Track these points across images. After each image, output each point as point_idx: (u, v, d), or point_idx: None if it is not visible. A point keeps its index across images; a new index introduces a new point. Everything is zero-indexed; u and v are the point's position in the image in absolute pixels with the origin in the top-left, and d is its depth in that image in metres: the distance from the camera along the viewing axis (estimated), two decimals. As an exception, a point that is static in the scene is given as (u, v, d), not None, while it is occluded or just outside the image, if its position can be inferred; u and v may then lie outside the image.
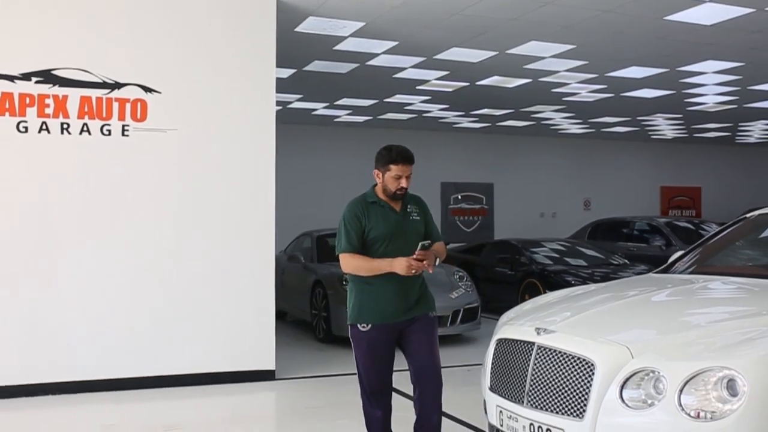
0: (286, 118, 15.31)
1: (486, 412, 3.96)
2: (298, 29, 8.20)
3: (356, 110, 14.66)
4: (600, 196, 19.97)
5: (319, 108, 14.37)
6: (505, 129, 17.54)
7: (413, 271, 3.95)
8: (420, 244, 3.97)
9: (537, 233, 16.11)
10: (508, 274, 11.19)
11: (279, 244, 11.41)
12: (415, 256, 3.93)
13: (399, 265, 3.94)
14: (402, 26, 8.17)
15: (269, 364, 6.97)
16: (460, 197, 18.84)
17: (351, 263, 4.07)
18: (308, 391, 6.66)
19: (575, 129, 17.74)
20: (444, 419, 4.27)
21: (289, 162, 16.12)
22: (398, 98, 13.11)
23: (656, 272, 5.00)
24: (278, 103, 13.45)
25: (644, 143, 20.52)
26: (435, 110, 14.58)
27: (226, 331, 6.88)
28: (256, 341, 6.96)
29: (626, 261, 11.69)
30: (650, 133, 18.54)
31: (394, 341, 4.13)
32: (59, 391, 6.30)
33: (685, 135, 18.90)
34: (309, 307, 9.60)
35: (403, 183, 4.07)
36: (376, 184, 4.18)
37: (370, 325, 4.06)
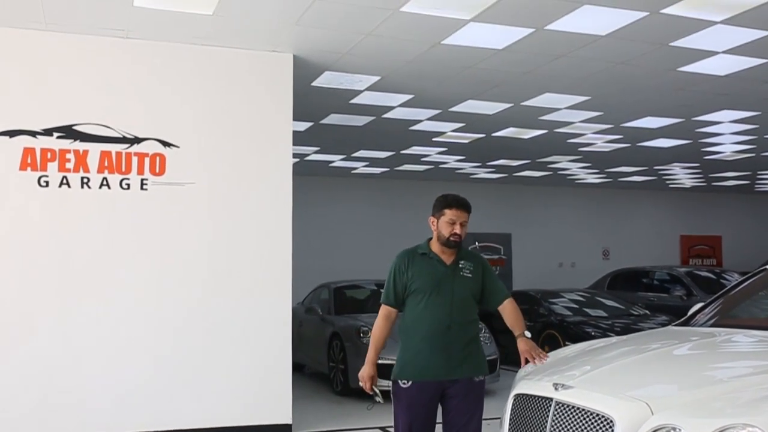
0: (303, 170, 15.44)
1: (504, 469, 3.89)
2: (314, 83, 8.32)
3: (373, 162, 14.76)
4: (619, 246, 19.84)
5: (336, 160, 14.49)
6: (522, 179, 17.56)
7: (360, 384, 4.02)
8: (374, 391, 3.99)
9: (556, 283, 15.99)
10: (527, 326, 11.06)
11: (296, 295, 11.40)
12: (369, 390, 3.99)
13: (362, 371, 4.02)
14: (417, 80, 8.27)
15: (286, 418, 6.89)
16: (478, 247, 18.79)
17: (374, 326, 4.07)
18: (325, 447, 6.58)
19: (592, 179, 17.73)
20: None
21: (307, 213, 16.20)
22: (414, 150, 13.20)
23: (676, 325, 4.94)
24: (295, 155, 13.60)
25: (662, 192, 20.44)
26: (451, 161, 14.65)
27: (243, 384, 6.83)
28: (272, 394, 6.90)
29: (647, 311, 11.55)
30: (668, 182, 18.48)
31: (436, 400, 3.97)
32: (75, 446, 6.27)
33: (704, 184, 18.82)
34: (326, 359, 9.54)
35: (457, 229, 3.98)
36: (431, 238, 4.09)
37: (410, 382, 3.94)
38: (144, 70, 6.84)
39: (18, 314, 6.33)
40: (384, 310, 4.06)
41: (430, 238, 4.10)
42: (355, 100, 9.22)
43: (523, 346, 4.03)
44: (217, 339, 6.81)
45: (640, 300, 12.86)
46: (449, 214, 3.99)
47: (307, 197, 16.41)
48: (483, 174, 16.70)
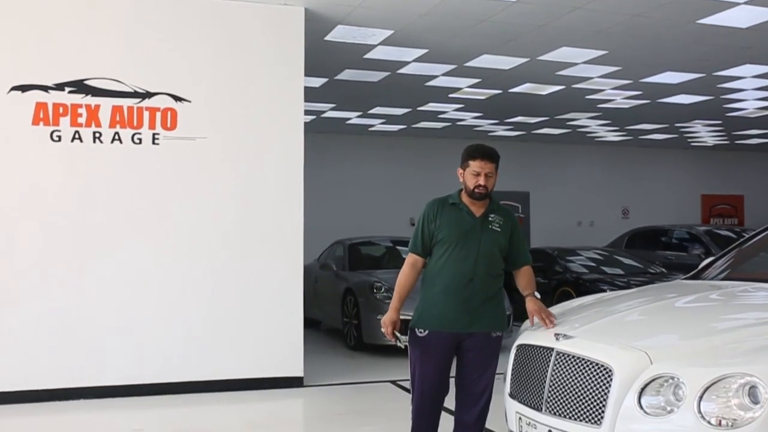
0: (320, 127, 15.41)
1: (506, 420, 3.92)
2: (327, 38, 8.25)
3: (390, 119, 14.67)
4: (639, 205, 19.67)
5: (353, 117, 14.42)
6: (540, 137, 17.40)
7: (382, 330, 3.99)
8: (398, 337, 3.98)
9: (574, 242, 15.91)
10: (542, 283, 11.05)
11: (314, 252, 11.51)
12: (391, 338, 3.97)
13: (385, 316, 3.99)
14: (431, 34, 8.17)
15: (297, 371, 6.98)
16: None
17: (400, 273, 4.03)
18: (335, 398, 6.66)
19: (612, 137, 17.52)
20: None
21: (324, 171, 16.21)
22: (431, 106, 13.09)
23: (686, 278, 4.90)
24: (312, 112, 13.57)
25: (684, 151, 20.17)
26: (469, 118, 14.52)
27: (255, 338, 6.91)
28: (284, 348, 6.98)
29: (663, 270, 11.48)
30: (690, 140, 18.22)
31: (452, 351, 3.94)
32: (92, 395, 6.39)
33: (726, 142, 18.53)
34: (341, 315, 9.61)
35: (482, 180, 3.86)
36: (462, 189, 3.99)
37: (427, 331, 3.90)
38: (155, 24, 6.81)
39: (33, 268, 6.42)
40: (411, 258, 4.01)
41: (461, 189, 4.00)
42: (369, 55, 9.13)
43: (531, 305, 3.96)
44: (230, 294, 6.87)
45: (658, 259, 12.78)
46: (473, 165, 3.89)
47: (324, 155, 16.40)
48: (501, 132, 16.55)
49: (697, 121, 15.01)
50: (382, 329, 4.00)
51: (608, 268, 11.38)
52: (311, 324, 11.06)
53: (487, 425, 3.96)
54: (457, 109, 13.42)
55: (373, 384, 7.04)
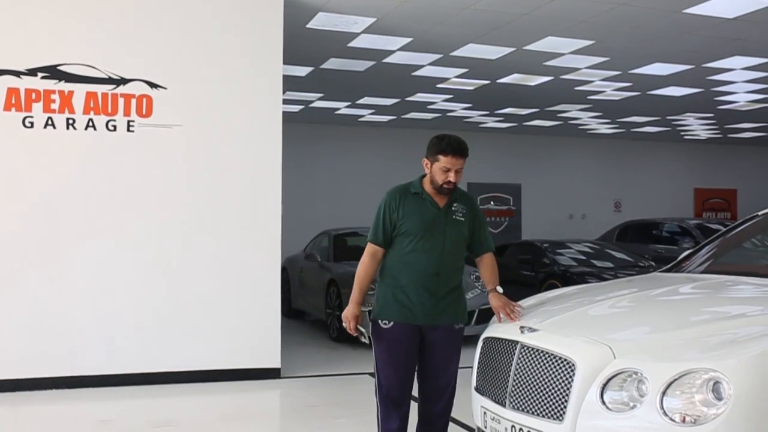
0: (309, 117, 15.29)
1: (473, 414, 3.82)
2: (309, 25, 8.13)
3: (379, 110, 14.56)
4: (631, 198, 19.61)
5: (342, 107, 14.30)
6: (532, 129, 17.29)
7: (344, 324, 3.88)
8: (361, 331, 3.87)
9: (566, 235, 15.86)
10: (529, 276, 10.97)
11: (302, 242, 11.41)
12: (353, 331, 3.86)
13: (346, 310, 3.86)
14: (413, 22, 8.05)
15: (275, 362, 6.89)
16: (487, 198, 18.63)
17: (360, 264, 3.88)
18: (311, 390, 6.57)
19: (604, 129, 17.42)
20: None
21: (314, 161, 16.11)
22: (420, 97, 12.98)
23: (662, 271, 4.81)
24: (300, 102, 13.46)
25: (677, 144, 20.09)
26: (458, 109, 14.41)
27: (232, 328, 6.82)
28: (261, 339, 6.89)
29: (653, 263, 11.39)
30: (682, 133, 18.13)
31: (417, 343, 3.81)
32: (63, 386, 6.31)
33: (719, 135, 18.45)
34: (324, 305, 9.52)
35: (451, 177, 3.72)
36: (425, 175, 3.84)
37: (392, 323, 3.77)
38: (130, 9, 6.68)
39: (4, 256, 6.31)
40: (370, 248, 3.85)
41: (424, 176, 3.85)
42: (352, 44, 9.02)
43: (495, 301, 3.82)
44: (206, 283, 6.78)
45: (649, 252, 12.71)
46: (444, 161, 3.72)
47: (314, 145, 16.30)
48: (492, 123, 16.45)
49: (689, 114, 14.92)
50: (344, 324, 3.89)
51: (597, 261, 11.29)
52: (297, 315, 10.99)
53: (459, 419, 3.88)
54: (446, 100, 13.31)
55: (353, 376, 6.94)
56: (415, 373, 3.90)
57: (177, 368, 6.63)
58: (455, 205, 3.84)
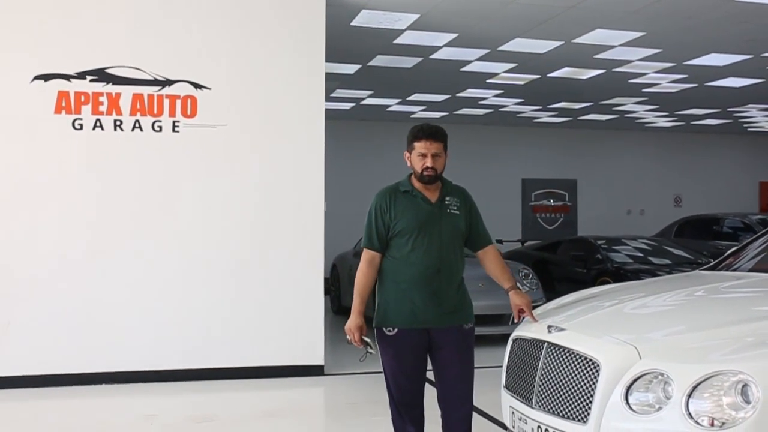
0: (361, 114, 15.33)
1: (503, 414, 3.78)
2: (353, 23, 8.13)
3: (430, 106, 14.50)
4: (692, 193, 19.07)
5: (393, 104, 14.29)
6: (587, 123, 16.97)
7: (348, 337, 3.73)
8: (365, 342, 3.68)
9: (623, 231, 15.51)
10: (582, 273, 10.77)
11: (353, 240, 11.43)
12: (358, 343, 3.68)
13: (349, 322, 3.72)
14: (458, 17, 7.98)
15: (318, 359, 6.93)
16: (542, 194, 18.38)
17: (358, 272, 3.76)
18: (352, 388, 6.58)
19: (662, 122, 16.98)
20: (482, 419, 3.96)
21: (366, 158, 16.13)
22: (470, 92, 12.87)
23: (704, 269, 4.67)
24: (350, 99, 13.50)
25: (740, 136, 19.44)
26: (511, 104, 14.24)
27: (277, 325, 6.88)
28: (305, 337, 6.94)
29: (711, 260, 11.05)
30: (746, 125, 17.54)
31: (425, 348, 3.67)
32: (111, 381, 6.46)
33: (786, 126, 17.80)
34: (373, 303, 9.50)
35: (429, 162, 3.62)
36: (411, 174, 3.77)
37: (396, 329, 3.64)
38: (175, 11, 6.80)
39: (55, 254, 6.51)
40: (367, 254, 3.73)
41: (411, 174, 3.77)
42: (398, 40, 8.99)
43: (517, 299, 3.71)
44: (251, 281, 6.86)
45: (709, 248, 12.33)
46: (418, 146, 3.67)
47: (367, 142, 16.32)
48: (546, 118, 16.21)
49: (751, 106, 14.42)
50: (348, 337, 3.74)
51: (654, 257, 11.00)
52: (347, 312, 11.00)
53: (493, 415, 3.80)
54: (497, 95, 13.17)
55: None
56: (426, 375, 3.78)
57: (223, 365, 6.73)
58: (448, 198, 3.75)
